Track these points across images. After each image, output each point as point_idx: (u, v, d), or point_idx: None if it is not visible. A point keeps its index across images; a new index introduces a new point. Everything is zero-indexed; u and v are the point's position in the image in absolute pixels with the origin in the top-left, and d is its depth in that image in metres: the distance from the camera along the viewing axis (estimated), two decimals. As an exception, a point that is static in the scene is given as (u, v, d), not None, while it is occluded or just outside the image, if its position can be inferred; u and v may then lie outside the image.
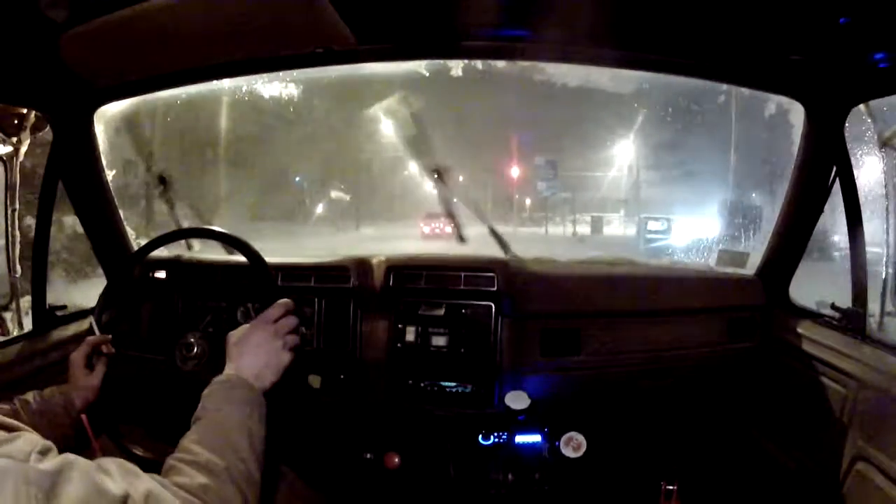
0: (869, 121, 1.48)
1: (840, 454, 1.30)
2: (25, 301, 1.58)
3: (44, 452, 0.49)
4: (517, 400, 1.48)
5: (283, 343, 0.95)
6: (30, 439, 0.50)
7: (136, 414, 1.48)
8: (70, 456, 0.51)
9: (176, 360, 1.46)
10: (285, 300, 1.01)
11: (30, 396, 1.02)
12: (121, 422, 1.23)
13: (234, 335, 0.94)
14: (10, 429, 0.51)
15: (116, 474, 0.54)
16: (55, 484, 0.47)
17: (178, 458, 0.70)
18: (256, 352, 0.91)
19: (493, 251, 1.74)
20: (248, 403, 0.82)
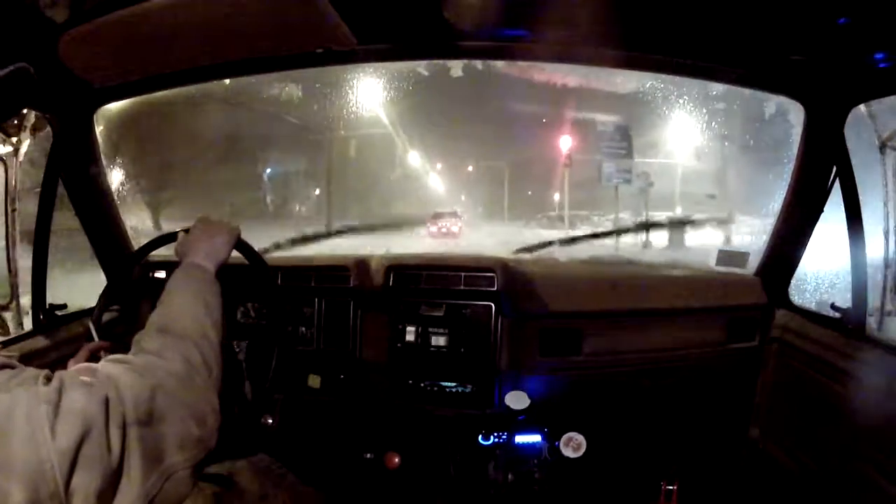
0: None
1: (840, 454, 1.30)
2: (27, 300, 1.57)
3: (48, 377, 0.57)
4: (517, 400, 1.48)
5: (220, 223, 1.06)
6: (33, 370, 0.59)
7: None
8: (62, 373, 0.59)
9: None
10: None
11: None
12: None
13: (182, 240, 1.04)
14: (12, 367, 0.58)
15: (92, 375, 0.62)
16: (60, 396, 0.55)
17: (143, 331, 0.78)
18: (200, 238, 1.01)
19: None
20: (201, 281, 0.91)
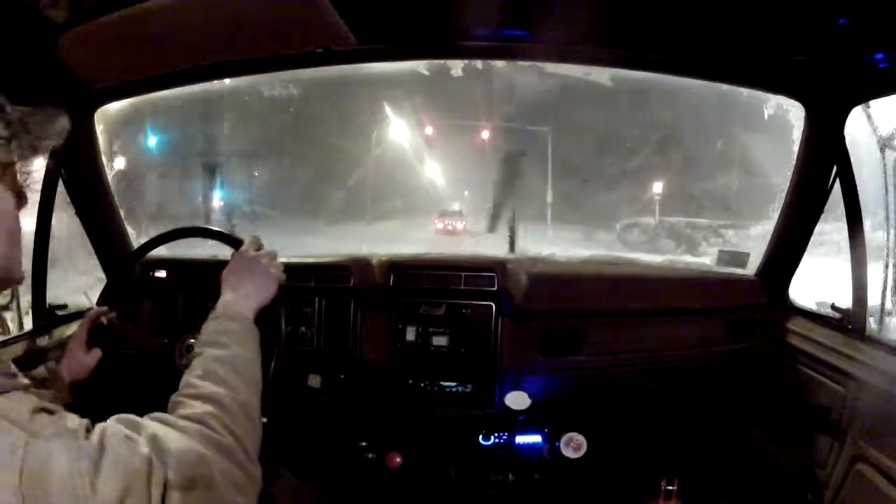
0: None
1: (840, 454, 1.30)
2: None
3: (88, 429, 0.57)
4: (517, 400, 1.48)
5: (267, 267, 1.04)
6: (73, 418, 0.58)
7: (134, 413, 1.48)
8: (104, 425, 0.58)
9: (175, 359, 1.46)
10: (253, 236, 1.10)
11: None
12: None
13: (226, 270, 1.02)
14: (51, 412, 0.57)
15: (136, 430, 0.61)
16: (100, 454, 0.54)
17: (182, 393, 0.75)
18: (247, 279, 1.00)
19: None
20: (242, 333, 0.88)
